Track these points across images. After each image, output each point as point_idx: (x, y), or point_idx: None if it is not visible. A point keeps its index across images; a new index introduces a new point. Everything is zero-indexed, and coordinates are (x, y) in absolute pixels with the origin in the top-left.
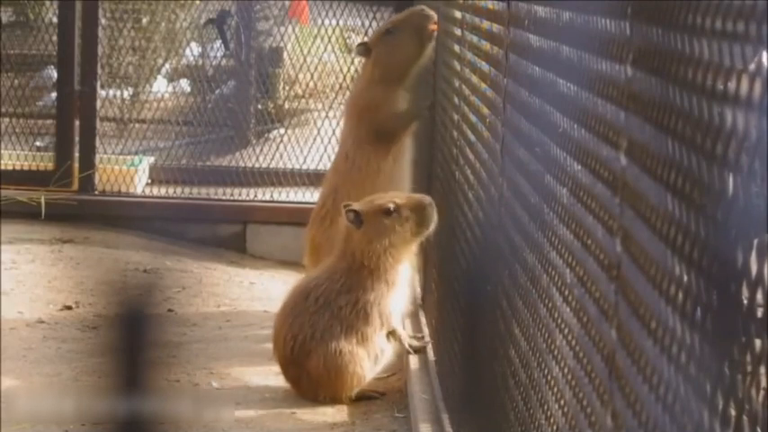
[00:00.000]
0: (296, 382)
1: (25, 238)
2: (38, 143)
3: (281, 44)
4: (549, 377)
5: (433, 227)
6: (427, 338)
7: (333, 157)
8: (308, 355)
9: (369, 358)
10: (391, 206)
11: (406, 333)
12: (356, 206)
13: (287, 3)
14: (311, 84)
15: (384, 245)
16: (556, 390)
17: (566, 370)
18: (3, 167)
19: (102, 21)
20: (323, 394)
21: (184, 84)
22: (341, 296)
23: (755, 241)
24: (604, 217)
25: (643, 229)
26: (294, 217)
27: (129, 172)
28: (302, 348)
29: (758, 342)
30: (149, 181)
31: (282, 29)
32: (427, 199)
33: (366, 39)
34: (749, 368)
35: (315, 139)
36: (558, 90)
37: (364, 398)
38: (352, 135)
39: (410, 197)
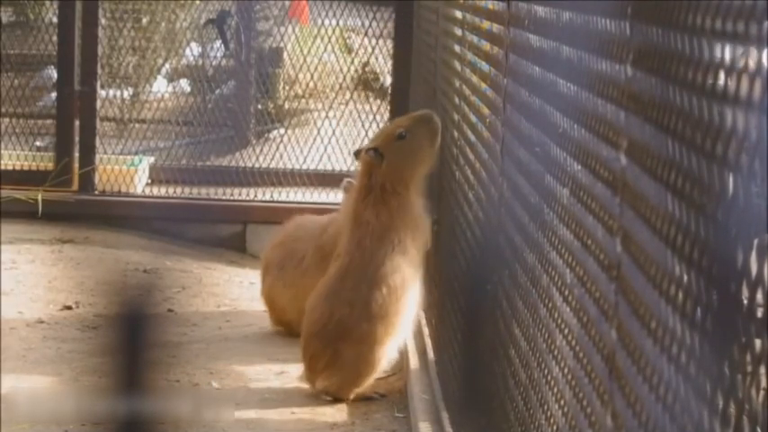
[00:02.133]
0: (315, 359)
1: (25, 238)
2: (38, 143)
3: (281, 44)
4: (549, 377)
5: (439, 137)
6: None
7: (332, 158)
8: (342, 336)
9: (393, 343)
10: (401, 130)
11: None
12: (371, 145)
13: (287, 3)
14: (311, 84)
15: (409, 165)
16: (556, 390)
17: (566, 370)
18: (3, 167)
19: (102, 21)
20: (339, 381)
21: (184, 84)
22: (373, 268)
23: (755, 241)
24: (604, 217)
25: (643, 229)
26: None
27: (129, 172)
28: (338, 326)
29: (758, 342)
30: (149, 181)
31: (282, 29)
32: (428, 112)
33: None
34: (749, 368)
35: (315, 139)
36: (558, 90)
37: (364, 398)
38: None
39: (412, 117)
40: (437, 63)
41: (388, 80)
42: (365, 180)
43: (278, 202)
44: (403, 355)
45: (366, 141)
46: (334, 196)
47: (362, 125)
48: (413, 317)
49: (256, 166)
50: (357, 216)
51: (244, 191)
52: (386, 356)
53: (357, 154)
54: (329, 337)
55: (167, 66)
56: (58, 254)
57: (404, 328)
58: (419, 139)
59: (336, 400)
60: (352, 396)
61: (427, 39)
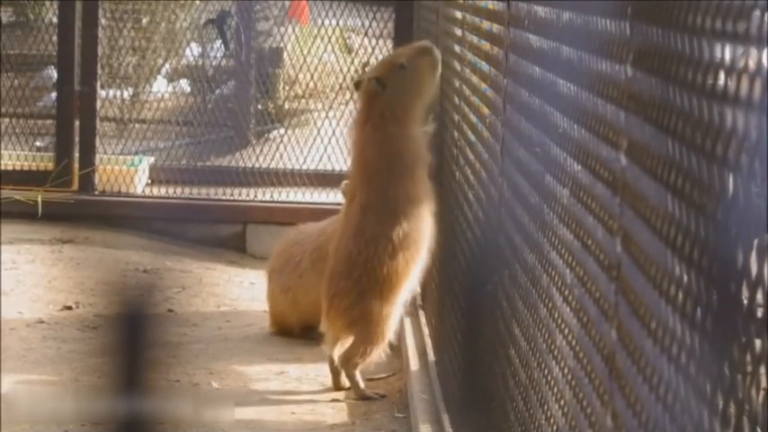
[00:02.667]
0: (339, 298)
1: (25, 238)
2: (38, 143)
3: (281, 44)
4: (549, 377)
5: (439, 68)
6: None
7: (332, 158)
8: (369, 274)
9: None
10: (403, 60)
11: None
12: (372, 75)
13: (287, 3)
14: (311, 84)
15: (410, 95)
16: (556, 390)
17: (566, 370)
18: (3, 167)
19: (102, 21)
20: (360, 327)
21: (184, 84)
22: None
23: (755, 241)
24: (604, 217)
25: (643, 229)
26: (294, 217)
27: (129, 172)
28: (366, 264)
29: (758, 342)
30: (149, 181)
31: (282, 29)
32: (427, 43)
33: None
34: (749, 368)
35: (315, 140)
36: (558, 90)
37: (364, 398)
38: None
39: (413, 48)
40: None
41: None
42: (366, 109)
43: (278, 202)
44: (403, 355)
45: None
46: (334, 196)
47: None
48: (428, 247)
49: (256, 166)
50: (361, 148)
51: (244, 191)
52: (405, 294)
53: (357, 85)
54: (357, 275)
55: (167, 66)
56: (58, 254)
57: (422, 260)
58: (420, 69)
59: (345, 370)
60: (365, 359)
61: (427, 39)
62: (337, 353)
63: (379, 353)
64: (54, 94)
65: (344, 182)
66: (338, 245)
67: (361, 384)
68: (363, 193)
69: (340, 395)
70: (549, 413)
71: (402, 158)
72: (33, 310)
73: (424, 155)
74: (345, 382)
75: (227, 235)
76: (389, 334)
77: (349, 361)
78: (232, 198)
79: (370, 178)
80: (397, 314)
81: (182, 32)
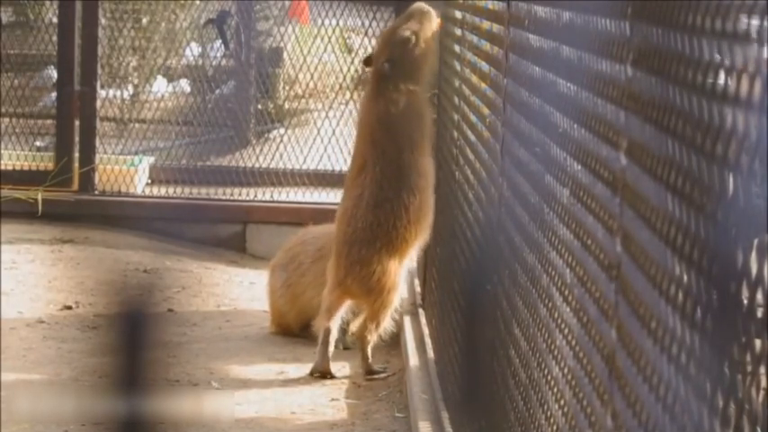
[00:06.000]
0: (356, 265)
1: (25, 238)
2: (38, 143)
3: (281, 44)
4: (549, 377)
5: (436, 24)
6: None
7: (332, 158)
8: (387, 243)
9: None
10: (408, 34)
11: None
12: (381, 58)
13: (287, 3)
14: (311, 84)
15: (418, 64)
16: (556, 390)
17: (566, 370)
18: (3, 167)
19: (102, 21)
20: (375, 295)
21: (184, 84)
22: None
23: (755, 241)
24: (604, 217)
25: (643, 229)
26: (294, 217)
27: (129, 172)
28: (385, 234)
29: (758, 342)
30: (149, 181)
31: (282, 29)
32: (421, 6)
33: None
34: (749, 368)
35: (315, 139)
36: (558, 90)
37: (372, 373)
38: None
39: (410, 15)
40: (437, 63)
41: None
42: (378, 86)
43: (278, 202)
44: (403, 355)
45: None
46: (334, 196)
47: None
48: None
49: (256, 166)
50: (374, 122)
51: (244, 191)
52: (411, 258)
53: (367, 61)
54: (378, 245)
55: (167, 66)
56: (58, 254)
57: (429, 225)
58: (425, 37)
59: (361, 344)
60: (375, 335)
61: None
62: (334, 326)
63: (389, 320)
64: (54, 94)
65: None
66: (353, 214)
67: (371, 357)
68: (377, 164)
69: (340, 395)
70: (549, 413)
71: (417, 128)
72: (33, 310)
73: (431, 124)
74: (333, 369)
75: (227, 235)
76: (396, 303)
77: (364, 338)
78: (232, 198)
79: (384, 150)
80: (404, 280)
81: (182, 32)
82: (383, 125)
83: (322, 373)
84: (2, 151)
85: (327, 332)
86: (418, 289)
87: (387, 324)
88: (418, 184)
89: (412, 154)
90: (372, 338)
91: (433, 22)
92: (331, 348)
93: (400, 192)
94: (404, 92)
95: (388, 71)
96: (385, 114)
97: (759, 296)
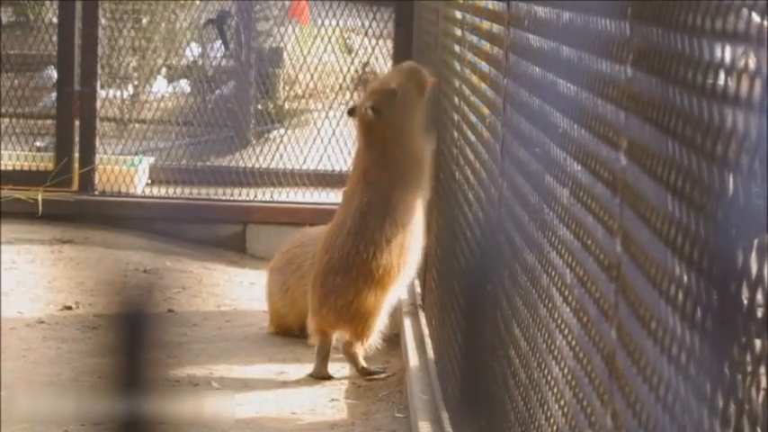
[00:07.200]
0: (335, 296)
1: (25, 238)
2: (38, 143)
3: (281, 44)
4: (549, 377)
5: (428, 85)
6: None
7: (332, 158)
8: (366, 274)
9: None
10: (393, 86)
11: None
12: (367, 104)
13: (287, 3)
14: (311, 84)
15: (405, 117)
16: (556, 390)
17: (566, 370)
18: (3, 167)
19: (102, 21)
20: (355, 323)
21: (184, 84)
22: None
23: (755, 241)
24: (604, 217)
25: (643, 229)
26: (294, 217)
27: (129, 172)
28: (363, 264)
29: (758, 342)
30: (149, 181)
31: (282, 29)
32: (412, 64)
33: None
34: (749, 368)
35: (315, 140)
36: (558, 90)
37: (369, 374)
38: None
39: (399, 71)
40: (437, 63)
41: None
42: (365, 136)
43: (278, 202)
44: (403, 355)
45: None
46: (335, 196)
47: None
48: (420, 249)
49: (256, 166)
50: (365, 169)
51: (244, 191)
52: (396, 291)
53: (351, 112)
54: (354, 274)
55: (167, 66)
56: (57, 254)
57: (415, 261)
58: (410, 91)
59: (348, 359)
60: (362, 350)
61: (427, 39)
62: (327, 339)
63: (372, 343)
64: (54, 94)
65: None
66: (332, 243)
67: (364, 364)
68: (364, 195)
69: (340, 395)
70: (549, 413)
71: (411, 171)
72: (33, 310)
73: (425, 169)
74: (329, 371)
75: (227, 235)
76: (380, 327)
77: (351, 354)
78: (232, 198)
79: (371, 185)
80: (388, 309)
81: (182, 32)
82: (376, 168)
83: (321, 378)
84: (2, 151)
85: (322, 343)
86: (418, 289)
87: (373, 341)
88: (403, 220)
89: (403, 193)
90: (360, 352)
91: (423, 80)
92: (328, 351)
93: (383, 223)
94: (393, 141)
95: (372, 116)
96: (376, 163)
97: (759, 296)
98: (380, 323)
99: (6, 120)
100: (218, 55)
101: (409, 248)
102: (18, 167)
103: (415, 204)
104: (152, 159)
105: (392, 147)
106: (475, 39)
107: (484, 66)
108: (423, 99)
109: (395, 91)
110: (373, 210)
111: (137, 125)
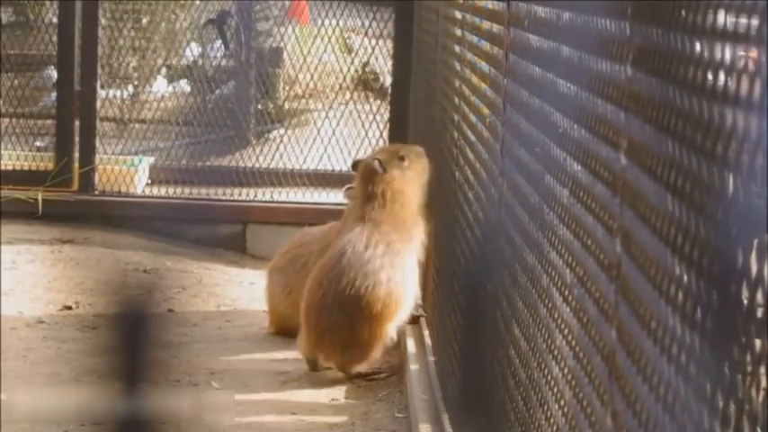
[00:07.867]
0: (330, 332)
1: (25, 238)
2: (38, 143)
3: (281, 44)
4: (549, 377)
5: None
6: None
7: (332, 158)
8: (362, 309)
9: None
10: (402, 153)
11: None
12: (378, 157)
13: (287, 3)
14: (311, 84)
15: (406, 184)
16: (556, 390)
17: (566, 370)
18: (3, 167)
19: (102, 21)
20: (349, 355)
21: (184, 84)
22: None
23: (755, 241)
24: (604, 217)
25: (643, 229)
26: (294, 217)
27: (129, 172)
28: (358, 300)
29: (758, 342)
30: (149, 181)
31: (282, 29)
32: (421, 150)
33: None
34: (749, 368)
35: (315, 140)
36: (558, 90)
37: (370, 377)
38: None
39: (410, 149)
40: (437, 63)
41: (388, 80)
42: (366, 188)
43: (278, 202)
44: (403, 355)
45: (366, 141)
46: (334, 196)
47: (362, 125)
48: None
49: (256, 166)
50: (366, 212)
51: (244, 191)
52: (394, 325)
53: (354, 165)
54: (349, 310)
55: (167, 66)
56: (57, 254)
57: (412, 298)
58: (416, 166)
59: (347, 377)
60: (355, 371)
61: (427, 39)
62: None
63: (370, 365)
64: (54, 94)
65: (347, 186)
66: (326, 277)
67: (359, 371)
68: (363, 231)
69: (340, 395)
70: (549, 413)
71: (405, 221)
72: (33, 310)
73: (422, 229)
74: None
75: (227, 235)
76: (377, 355)
77: (347, 372)
78: (232, 198)
79: (370, 223)
80: (387, 339)
81: (182, 32)
82: (377, 212)
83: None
84: (2, 151)
85: (312, 368)
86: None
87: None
88: (402, 261)
89: (402, 234)
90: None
91: (426, 167)
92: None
93: (381, 259)
94: (393, 199)
95: (377, 168)
96: (376, 217)
97: (759, 296)
98: (376, 354)
99: (6, 120)
100: (218, 55)
101: (406, 286)
102: (18, 167)
103: (411, 248)
104: (152, 159)
105: (391, 203)
106: (475, 39)
107: (484, 66)
108: (424, 181)
109: (403, 157)
110: (375, 242)
111: (137, 125)
